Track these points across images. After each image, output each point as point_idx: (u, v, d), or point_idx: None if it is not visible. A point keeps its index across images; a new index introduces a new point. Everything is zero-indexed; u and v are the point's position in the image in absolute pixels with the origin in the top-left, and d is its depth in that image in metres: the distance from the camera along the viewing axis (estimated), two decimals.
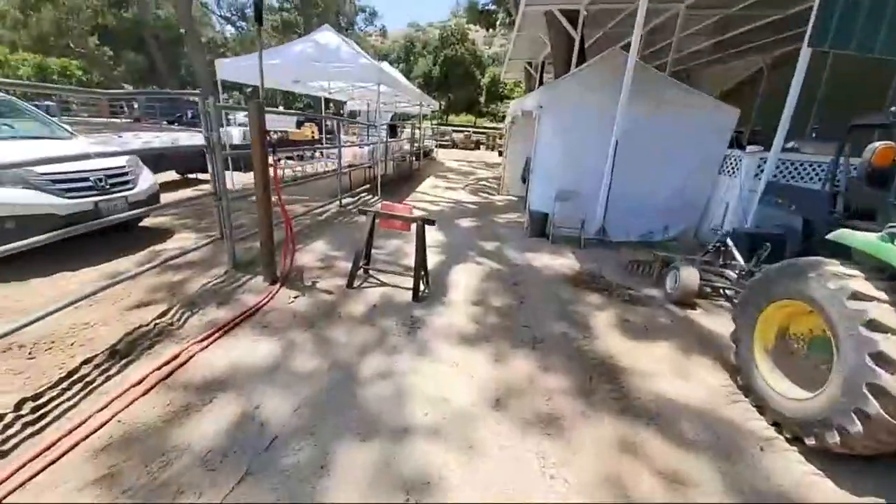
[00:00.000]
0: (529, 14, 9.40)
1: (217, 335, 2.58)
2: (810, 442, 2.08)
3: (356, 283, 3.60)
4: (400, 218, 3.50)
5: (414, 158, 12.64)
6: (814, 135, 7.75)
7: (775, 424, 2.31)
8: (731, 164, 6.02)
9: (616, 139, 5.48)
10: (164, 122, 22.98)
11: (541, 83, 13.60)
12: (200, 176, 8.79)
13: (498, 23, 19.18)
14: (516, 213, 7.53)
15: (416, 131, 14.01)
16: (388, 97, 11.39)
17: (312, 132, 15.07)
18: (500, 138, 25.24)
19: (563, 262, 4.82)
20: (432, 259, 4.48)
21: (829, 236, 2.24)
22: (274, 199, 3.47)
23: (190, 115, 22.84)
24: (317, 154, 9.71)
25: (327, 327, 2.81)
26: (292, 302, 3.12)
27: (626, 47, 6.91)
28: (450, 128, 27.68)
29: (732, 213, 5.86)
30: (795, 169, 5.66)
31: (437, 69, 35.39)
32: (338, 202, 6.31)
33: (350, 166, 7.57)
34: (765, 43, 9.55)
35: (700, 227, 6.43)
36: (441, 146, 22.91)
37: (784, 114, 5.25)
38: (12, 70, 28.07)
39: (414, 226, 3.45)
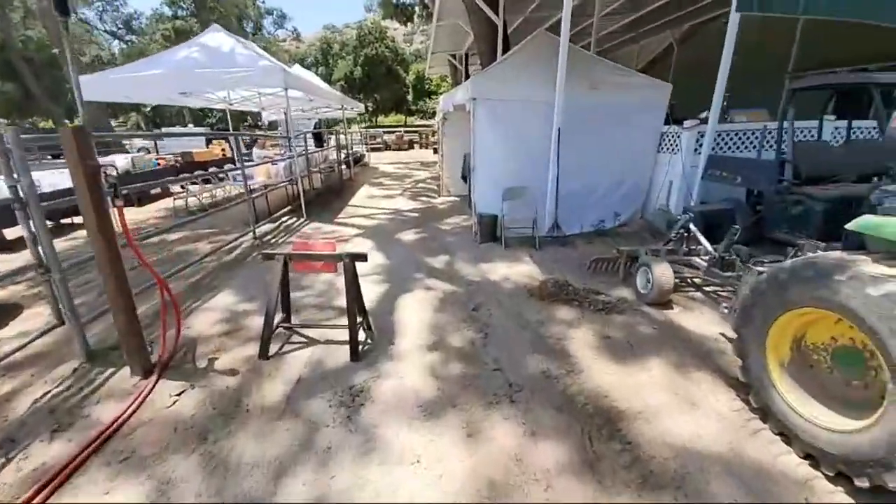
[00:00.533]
0: (447, 2, 8.83)
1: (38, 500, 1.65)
2: (862, 484, 1.68)
3: (273, 350, 2.76)
4: (319, 258, 2.71)
5: (344, 167, 11.65)
6: (725, 104, 8.06)
7: (808, 457, 1.91)
8: (670, 141, 5.89)
9: (559, 127, 5.07)
10: (49, 157, 20.15)
11: (467, 76, 13.17)
12: (79, 220, 7.22)
13: (416, 16, 18.51)
14: (461, 216, 6.96)
15: (343, 137, 12.95)
16: (303, 103, 10.31)
17: (223, 150, 13.43)
18: (433, 135, 24.73)
19: (523, 270, 4.31)
20: (373, 292, 3.73)
21: (851, 226, 1.85)
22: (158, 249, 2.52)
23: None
24: (229, 176, 8.44)
25: (227, 437, 1.96)
26: (174, 403, 2.20)
27: (550, 30, 6.60)
28: (380, 129, 26.62)
29: (677, 191, 5.74)
30: (732, 139, 5.65)
31: (359, 70, 34.00)
32: (251, 234, 5.28)
33: (266, 187, 6.52)
34: (674, 18, 9.83)
35: (646, 207, 6.29)
36: (373, 149, 21.86)
37: (718, 84, 5.14)
38: None
39: (341, 264, 2.68)
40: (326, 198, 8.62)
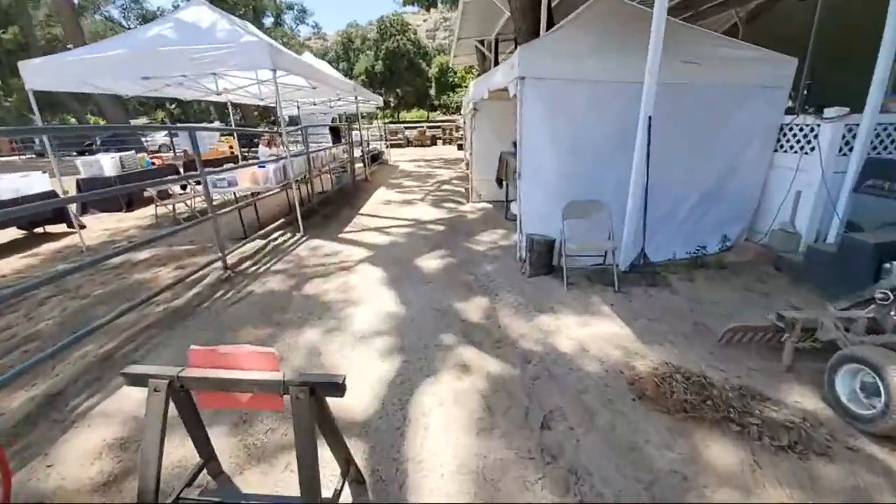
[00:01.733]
0: None
1: None
2: None
3: None
4: (242, 386, 1.28)
5: (360, 166, 10.39)
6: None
7: None
8: (797, 136, 4.23)
9: (649, 114, 3.52)
10: (74, 153, 20.21)
11: (496, 64, 11.63)
12: (51, 229, 6.18)
13: (439, 1, 17.02)
14: (498, 230, 5.48)
15: (358, 133, 11.65)
16: (311, 94, 9.05)
17: (231, 147, 12.39)
18: (458, 130, 23.24)
19: (608, 333, 2.81)
20: (373, 378, 2.33)
21: None
22: None
23: (99, 143, 19.67)
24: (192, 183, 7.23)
25: None
26: None
27: None
28: (402, 125, 25.33)
29: (810, 206, 4.08)
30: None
31: (380, 64, 32.83)
32: (221, 263, 3.95)
33: (254, 195, 5.24)
34: None
35: (753, 227, 4.65)
36: (394, 146, 20.59)
37: (879, 61, 3.50)
38: None
39: (289, 398, 1.26)
40: (335, 204, 7.30)
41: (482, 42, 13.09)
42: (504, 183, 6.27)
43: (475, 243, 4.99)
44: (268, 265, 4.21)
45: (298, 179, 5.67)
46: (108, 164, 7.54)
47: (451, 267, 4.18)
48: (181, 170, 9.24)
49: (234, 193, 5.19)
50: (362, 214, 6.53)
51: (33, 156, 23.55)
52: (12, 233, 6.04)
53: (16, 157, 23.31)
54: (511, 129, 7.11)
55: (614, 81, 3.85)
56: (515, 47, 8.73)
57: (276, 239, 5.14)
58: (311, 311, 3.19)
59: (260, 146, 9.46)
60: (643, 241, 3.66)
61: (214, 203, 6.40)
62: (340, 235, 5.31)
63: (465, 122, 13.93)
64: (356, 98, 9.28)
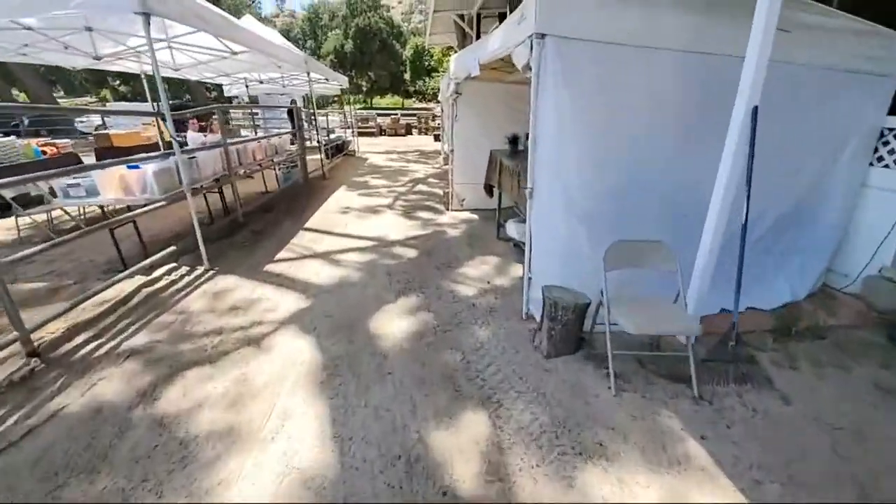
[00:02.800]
0: None
1: None
2: None
3: None
4: None
5: (322, 157, 8.63)
6: None
7: None
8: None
9: (755, 104, 2.13)
10: None
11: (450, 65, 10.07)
12: None
13: None
14: (490, 259, 4.04)
15: (314, 119, 9.83)
16: (249, 66, 7.24)
17: (162, 133, 10.28)
18: (434, 119, 21.50)
19: None
20: None
21: None
22: None
23: (27, 123, 16.70)
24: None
25: None
26: None
27: None
28: (374, 112, 23.31)
29: None
30: None
31: (350, 43, 30.33)
32: (20, 344, 2.25)
33: (129, 209, 3.52)
34: None
35: (834, 263, 3.42)
36: (364, 134, 18.69)
37: None
38: None
39: None
40: (274, 212, 5.61)
41: (462, 17, 11.46)
42: (495, 192, 4.81)
43: (460, 282, 3.52)
44: (122, 335, 2.58)
45: (202, 186, 3.99)
46: None
47: (426, 334, 2.70)
48: (84, 161, 7.24)
49: (101, 208, 3.47)
50: (308, 230, 4.90)
51: None
52: None
53: None
54: (505, 120, 5.61)
55: (690, 51, 2.44)
56: (499, 24, 7.34)
57: (168, 273, 3.48)
58: (149, 470, 1.65)
59: (189, 131, 7.51)
60: (737, 302, 2.29)
61: (78, 215, 4.53)
62: (267, 268, 3.70)
63: (442, 111, 12.32)
64: (308, 75, 7.50)
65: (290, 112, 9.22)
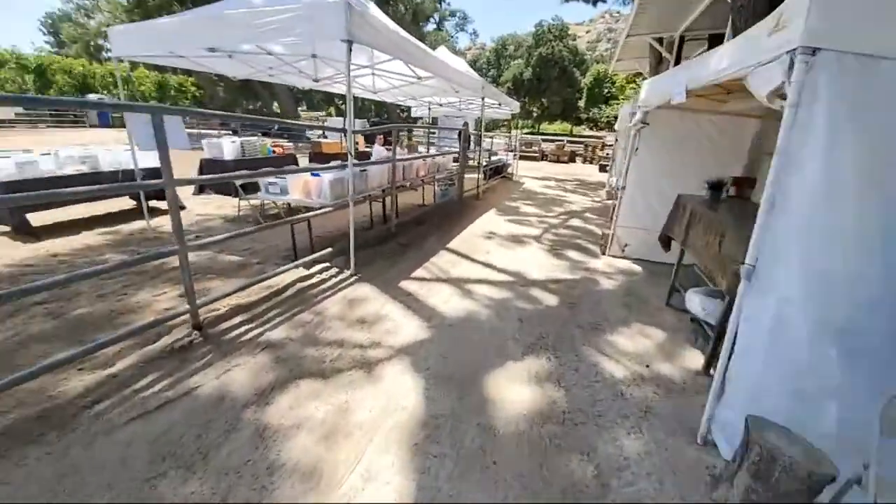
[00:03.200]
0: None
1: None
2: None
3: None
4: None
5: (480, 177, 8.81)
6: None
7: None
8: None
9: None
10: (259, 134, 24.17)
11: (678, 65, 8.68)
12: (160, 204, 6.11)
13: None
14: (653, 331, 3.14)
15: (480, 140, 10.07)
16: (431, 90, 7.79)
17: (357, 144, 12.18)
18: (602, 149, 19.97)
19: None
20: None
21: None
22: None
23: (276, 128, 22.72)
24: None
25: None
26: None
27: None
28: (539, 137, 23.17)
29: None
30: None
31: (529, 71, 31.09)
32: (190, 315, 2.62)
33: (307, 209, 3.96)
34: None
35: None
36: (525, 158, 18.64)
37: None
38: (137, 87, 31.49)
39: None
40: (424, 226, 5.78)
41: (660, 41, 10.20)
42: (674, 245, 3.82)
43: (607, 354, 2.79)
44: (267, 325, 2.81)
45: (369, 195, 4.27)
46: (228, 147, 7.49)
47: (551, 418, 2.12)
48: (298, 161, 9.05)
49: (288, 203, 4.02)
50: (449, 250, 4.82)
51: (230, 132, 28.82)
52: (126, 202, 6.12)
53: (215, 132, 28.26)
54: (698, 160, 4.51)
55: None
56: (709, 47, 6.02)
57: (321, 272, 3.79)
58: (232, 491, 1.57)
59: (375, 145, 8.62)
60: None
61: (268, 209, 5.51)
62: (401, 284, 3.68)
63: (616, 141, 11.14)
64: (483, 99, 7.67)
65: (460, 133, 9.71)
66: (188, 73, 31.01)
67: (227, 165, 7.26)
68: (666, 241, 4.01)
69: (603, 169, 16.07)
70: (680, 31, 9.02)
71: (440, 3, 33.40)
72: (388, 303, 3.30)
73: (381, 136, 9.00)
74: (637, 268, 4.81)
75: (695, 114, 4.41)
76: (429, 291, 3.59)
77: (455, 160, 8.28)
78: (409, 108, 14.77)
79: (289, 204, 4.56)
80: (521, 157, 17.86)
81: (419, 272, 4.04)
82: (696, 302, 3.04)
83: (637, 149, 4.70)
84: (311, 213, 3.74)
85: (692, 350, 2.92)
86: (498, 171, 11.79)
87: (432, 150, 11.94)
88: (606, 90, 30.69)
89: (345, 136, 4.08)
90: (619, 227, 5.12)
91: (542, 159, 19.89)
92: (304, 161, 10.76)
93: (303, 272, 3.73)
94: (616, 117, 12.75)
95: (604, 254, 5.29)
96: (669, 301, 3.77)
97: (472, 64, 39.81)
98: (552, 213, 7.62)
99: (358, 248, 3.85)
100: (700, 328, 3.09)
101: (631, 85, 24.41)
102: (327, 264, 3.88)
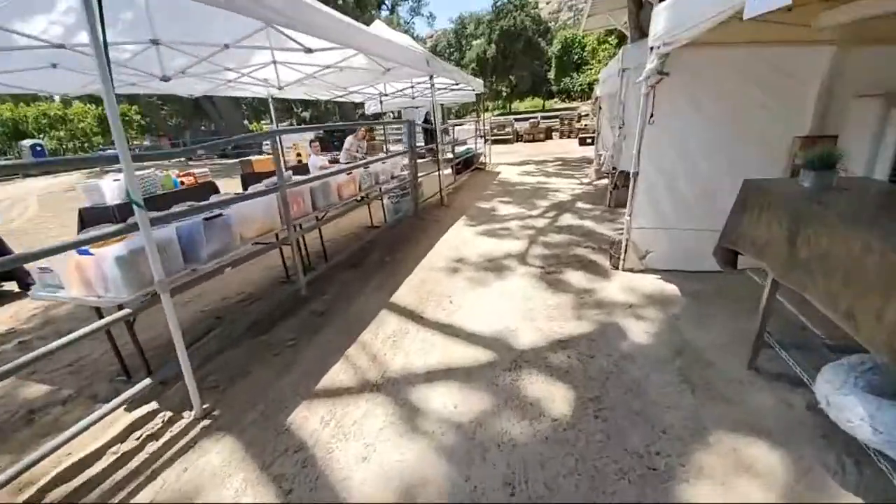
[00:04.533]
0: None
1: None
2: None
3: None
4: None
5: (448, 172, 7.13)
6: None
7: None
8: None
9: None
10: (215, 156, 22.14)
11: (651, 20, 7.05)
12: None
13: None
14: (757, 445, 1.58)
15: (437, 130, 8.35)
16: (367, 75, 6.13)
17: (298, 156, 10.39)
18: (579, 120, 18.28)
19: None
20: None
21: None
22: None
23: (231, 148, 20.92)
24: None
25: None
26: None
27: None
28: (511, 117, 21.47)
29: None
30: None
31: (492, 48, 29.17)
32: None
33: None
34: None
35: None
36: (498, 142, 16.98)
37: None
38: (76, 123, 28.95)
39: None
40: (361, 269, 4.13)
41: None
42: (740, 263, 2.27)
43: None
44: None
45: (238, 257, 2.61)
46: (109, 188, 5.71)
47: None
48: (219, 189, 7.22)
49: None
50: (393, 309, 3.19)
51: (115, 169, 26.58)
52: None
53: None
54: (743, 124, 2.90)
55: None
56: None
57: (143, 422, 2.14)
58: None
59: (311, 155, 6.85)
60: None
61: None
62: (291, 419, 2.05)
63: (600, 109, 9.46)
64: (430, 79, 5.99)
65: (409, 126, 7.99)
66: (132, 100, 28.55)
67: (109, 213, 5.47)
68: (730, 257, 2.46)
69: (583, 142, 14.49)
70: None
71: None
72: (257, 481, 1.70)
73: (316, 142, 7.19)
74: (670, 287, 3.27)
75: (742, 48, 2.83)
76: (339, 427, 1.98)
77: (429, 156, 6.59)
78: (362, 104, 13.01)
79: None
80: (495, 142, 16.18)
81: (331, 375, 2.41)
82: (856, 414, 1.48)
83: (652, 116, 3.11)
84: (119, 314, 2.07)
85: (840, 490, 1.40)
86: (468, 164, 10.14)
87: (399, 148, 10.20)
88: (577, 55, 28.90)
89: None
90: (637, 230, 3.56)
91: (517, 140, 18.25)
92: (234, 186, 8.96)
93: (126, 420, 2.10)
94: (591, 85, 11.16)
95: (617, 268, 3.74)
96: (753, 363, 2.24)
97: (433, 50, 37.67)
98: (537, 211, 6.04)
99: (227, 346, 2.22)
100: (853, 449, 1.55)
101: (603, 46, 22.74)
102: (154, 405, 2.21)
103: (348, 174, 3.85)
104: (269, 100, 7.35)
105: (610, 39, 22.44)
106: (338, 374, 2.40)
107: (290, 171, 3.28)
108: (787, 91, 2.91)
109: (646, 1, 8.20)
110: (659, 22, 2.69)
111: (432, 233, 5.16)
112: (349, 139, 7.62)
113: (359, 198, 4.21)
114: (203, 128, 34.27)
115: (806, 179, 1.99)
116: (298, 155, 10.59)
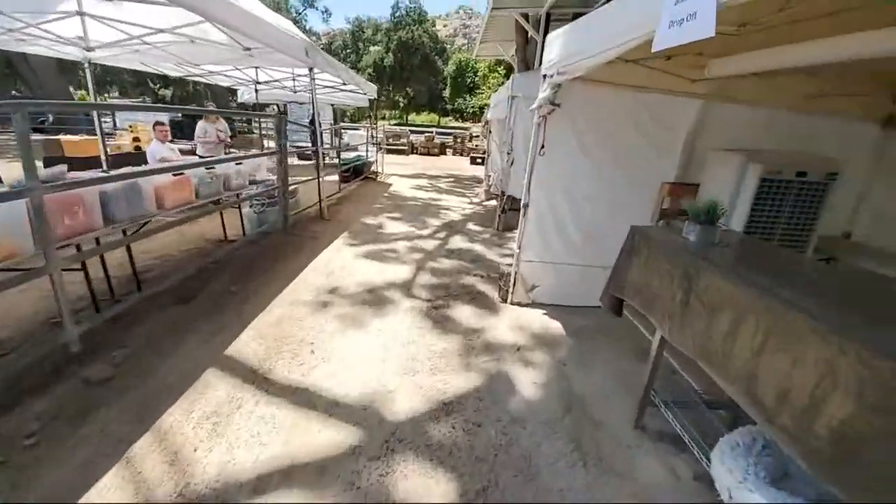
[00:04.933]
0: None
1: None
2: None
3: None
4: None
5: (334, 179, 6.25)
6: None
7: None
8: None
9: None
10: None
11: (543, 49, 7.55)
12: None
13: None
14: None
15: (318, 133, 7.50)
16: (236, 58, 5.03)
17: (136, 140, 8.29)
18: (471, 140, 19.10)
19: None
20: None
21: None
22: None
23: (52, 120, 15.52)
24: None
25: None
26: None
27: None
28: (407, 128, 21.30)
29: None
30: None
31: (390, 57, 28.84)
32: None
33: None
34: None
35: None
36: (392, 151, 16.54)
37: None
38: None
39: None
40: (194, 303, 3.13)
41: (526, 17, 9.03)
42: (626, 310, 2.16)
43: None
44: None
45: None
46: None
47: None
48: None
49: None
50: (227, 367, 2.36)
51: None
52: None
53: None
54: (627, 162, 2.89)
55: None
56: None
57: None
58: None
59: (154, 141, 5.26)
60: None
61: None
62: None
63: (490, 133, 9.72)
64: (310, 71, 5.17)
65: (280, 120, 6.93)
66: None
67: None
68: (615, 304, 2.34)
69: (474, 161, 15.02)
70: (546, 7, 7.87)
71: None
72: None
73: (164, 126, 5.57)
74: (555, 324, 3.14)
75: (629, 91, 2.84)
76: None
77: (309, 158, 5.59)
78: (235, 91, 11.18)
79: None
80: (389, 151, 15.66)
81: (96, 496, 1.53)
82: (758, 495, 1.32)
83: (543, 147, 2.95)
84: None
85: None
86: (358, 173, 9.38)
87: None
88: (469, 80, 30.45)
89: None
90: (525, 263, 3.38)
91: (413, 152, 18.10)
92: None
93: None
94: (482, 108, 11.57)
95: (506, 301, 3.52)
96: (640, 422, 2.11)
97: (328, 48, 35.65)
98: (428, 230, 5.67)
99: None
100: None
101: (493, 74, 24.33)
102: None
103: (176, 175, 2.84)
104: (86, 65, 5.56)
105: (499, 69, 24.18)
106: (103, 495, 1.51)
107: (65, 165, 2.19)
108: (661, 138, 3.04)
109: (531, 38, 8.73)
110: (553, 49, 2.52)
111: (304, 253, 4.33)
112: (200, 124, 6.25)
113: (197, 206, 3.19)
114: (15, 92, 25.86)
115: (691, 233, 1.92)
116: (136, 139, 8.47)
